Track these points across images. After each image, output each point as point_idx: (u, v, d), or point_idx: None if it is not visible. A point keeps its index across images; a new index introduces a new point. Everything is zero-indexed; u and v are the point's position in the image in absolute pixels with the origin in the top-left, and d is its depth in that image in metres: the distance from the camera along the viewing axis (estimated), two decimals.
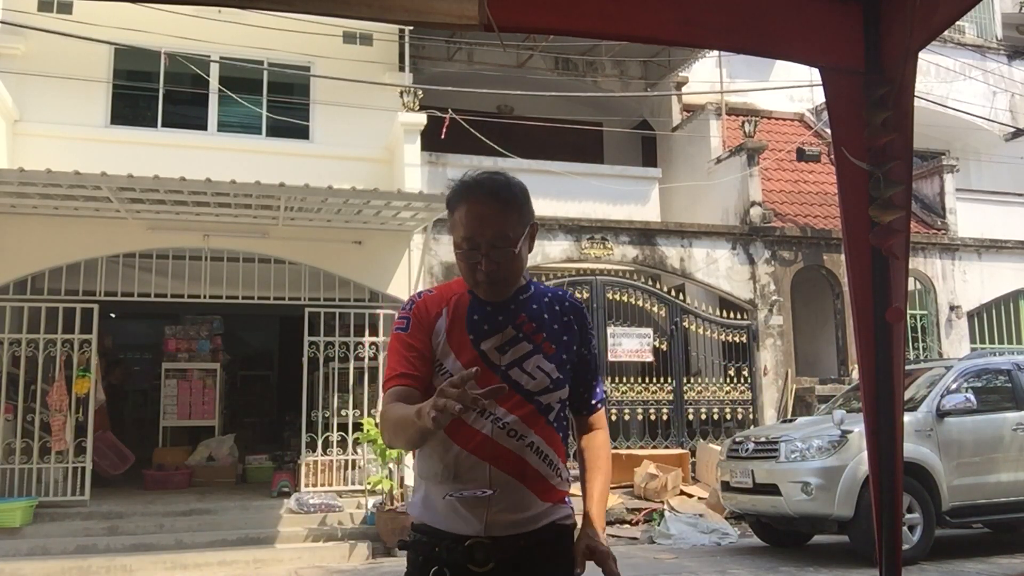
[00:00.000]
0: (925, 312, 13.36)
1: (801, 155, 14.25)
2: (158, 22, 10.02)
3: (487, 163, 12.27)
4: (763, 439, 8.25)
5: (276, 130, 11.64)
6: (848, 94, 2.46)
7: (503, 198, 1.96)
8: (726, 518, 9.44)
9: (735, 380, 11.92)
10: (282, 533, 8.75)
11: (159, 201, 8.95)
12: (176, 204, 9.06)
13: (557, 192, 12.55)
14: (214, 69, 11.36)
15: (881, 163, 2.39)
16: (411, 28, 11.33)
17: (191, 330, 12.22)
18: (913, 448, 7.45)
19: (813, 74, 8.52)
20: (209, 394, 11.94)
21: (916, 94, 2.44)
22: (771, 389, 11.98)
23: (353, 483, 9.81)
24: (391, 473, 9.25)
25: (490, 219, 1.93)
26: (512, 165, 12.25)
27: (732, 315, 12.21)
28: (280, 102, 11.75)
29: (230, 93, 11.15)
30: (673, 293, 11.96)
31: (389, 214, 9.60)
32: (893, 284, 2.44)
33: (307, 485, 9.63)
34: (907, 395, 7.87)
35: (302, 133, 11.65)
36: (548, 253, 11.54)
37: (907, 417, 6.74)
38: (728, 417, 11.75)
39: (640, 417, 11.53)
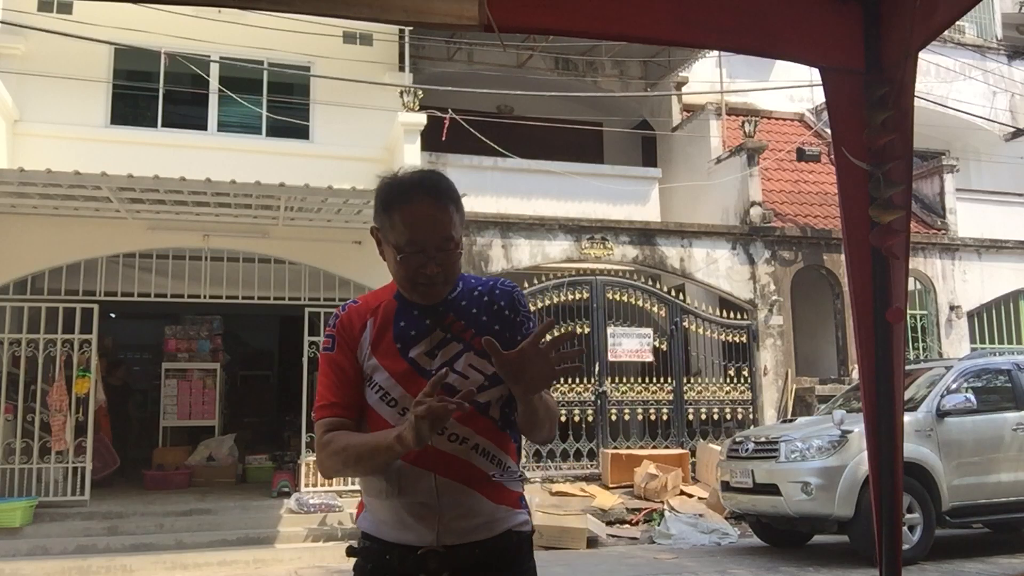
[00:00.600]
0: (925, 312, 13.36)
1: (801, 155, 14.25)
2: (158, 22, 10.02)
3: (487, 163, 12.30)
4: (763, 439, 8.25)
5: (276, 130, 11.64)
6: (848, 94, 2.46)
7: (446, 197, 1.87)
8: (726, 518, 9.43)
9: (735, 380, 11.92)
10: (282, 533, 8.75)
11: (159, 201, 8.95)
12: (176, 204, 9.07)
13: (557, 192, 12.56)
14: (214, 69, 11.36)
15: (881, 163, 2.39)
16: (411, 28, 11.33)
17: (191, 330, 12.22)
18: (913, 448, 7.44)
19: (813, 74, 8.52)
20: (209, 394, 11.95)
21: (916, 94, 2.44)
22: (771, 389, 11.98)
23: (353, 483, 9.79)
24: None
25: (436, 221, 1.83)
26: (512, 165, 12.28)
27: (732, 315, 12.21)
28: (280, 102, 11.75)
29: (230, 93, 11.15)
30: (673, 293, 11.96)
31: None
32: (893, 284, 2.44)
33: (307, 485, 9.63)
34: (907, 395, 7.87)
35: (302, 133, 11.65)
36: (548, 253, 11.54)
37: (907, 417, 6.74)
38: (728, 417, 11.75)
39: (640, 417, 11.53)
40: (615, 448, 11.12)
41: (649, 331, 11.58)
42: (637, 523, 9.63)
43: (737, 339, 12.08)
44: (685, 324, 11.88)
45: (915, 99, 2.44)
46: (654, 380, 11.57)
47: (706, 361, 12.25)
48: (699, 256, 12.25)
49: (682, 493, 10.19)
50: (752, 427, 11.16)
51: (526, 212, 11.82)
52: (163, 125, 11.40)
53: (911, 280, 12.69)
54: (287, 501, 9.40)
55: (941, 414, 7.86)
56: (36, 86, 10.46)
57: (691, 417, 11.67)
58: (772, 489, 7.79)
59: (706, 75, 14.85)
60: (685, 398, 11.64)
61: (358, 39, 11.90)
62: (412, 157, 10.83)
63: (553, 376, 1.77)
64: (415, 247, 1.83)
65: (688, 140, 14.13)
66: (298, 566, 8.13)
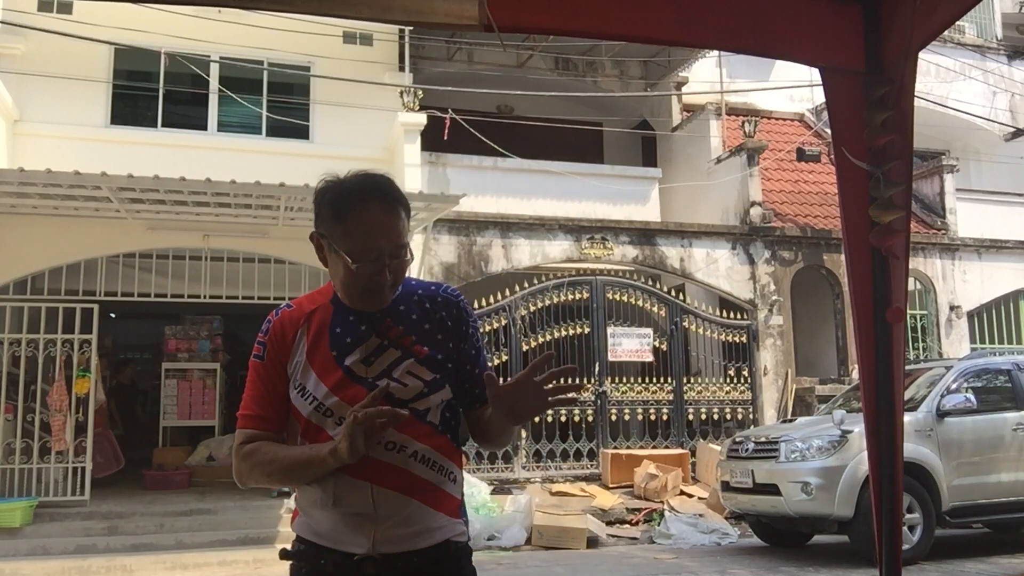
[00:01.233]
0: (925, 312, 13.36)
1: (801, 155, 14.26)
2: (158, 22, 10.03)
3: (487, 163, 12.30)
4: (763, 439, 8.25)
5: (276, 130, 11.65)
6: (848, 94, 2.46)
7: (398, 203, 1.82)
8: (726, 518, 9.43)
9: (735, 380, 11.92)
10: (282, 533, 8.75)
11: (159, 201, 8.95)
12: (176, 204, 9.07)
13: (557, 192, 12.56)
14: (214, 69, 11.37)
15: (881, 163, 2.39)
16: (411, 28, 11.33)
17: (191, 330, 12.21)
18: (913, 448, 7.44)
19: (813, 74, 8.52)
20: (209, 394, 11.94)
21: (916, 94, 2.44)
22: (771, 389, 11.98)
23: None
24: None
25: (391, 228, 1.79)
26: (512, 165, 12.28)
27: (732, 315, 12.21)
28: (280, 102, 11.75)
29: (230, 93, 11.16)
30: (673, 293, 11.96)
31: None
32: (893, 284, 2.44)
33: None
34: (907, 395, 7.87)
35: (302, 133, 11.66)
36: (548, 253, 11.54)
37: (907, 417, 6.75)
38: (728, 417, 11.75)
39: (640, 417, 11.53)
40: (615, 448, 11.12)
41: (649, 331, 11.58)
42: (637, 523, 9.63)
43: (737, 339, 12.08)
44: (685, 324, 11.88)
45: (915, 99, 2.44)
46: (654, 380, 11.57)
47: (706, 361, 12.25)
48: (699, 256, 12.25)
49: (682, 493, 10.19)
50: (752, 427, 11.16)
51: (526, 212, 11.82)
52: (163, 125, 11.41)
53: (911, 280, 12.69)
54: (287, 501, 9.39)
55: (941, 414, 7.85)
56: (36, 86, 10.46)
57: (691, 417, 11.67)
58: (772, 489, 7.79)
59: (706, 75, 14.85)
60: (685, 398, 11.64)
61: (358, 39, 11.91)
62: (412, 157, 10.84)
63: (545, 407, 1.77)
64: (372, 255, 1.77)
65: (688, 140, 14.13)
66: None
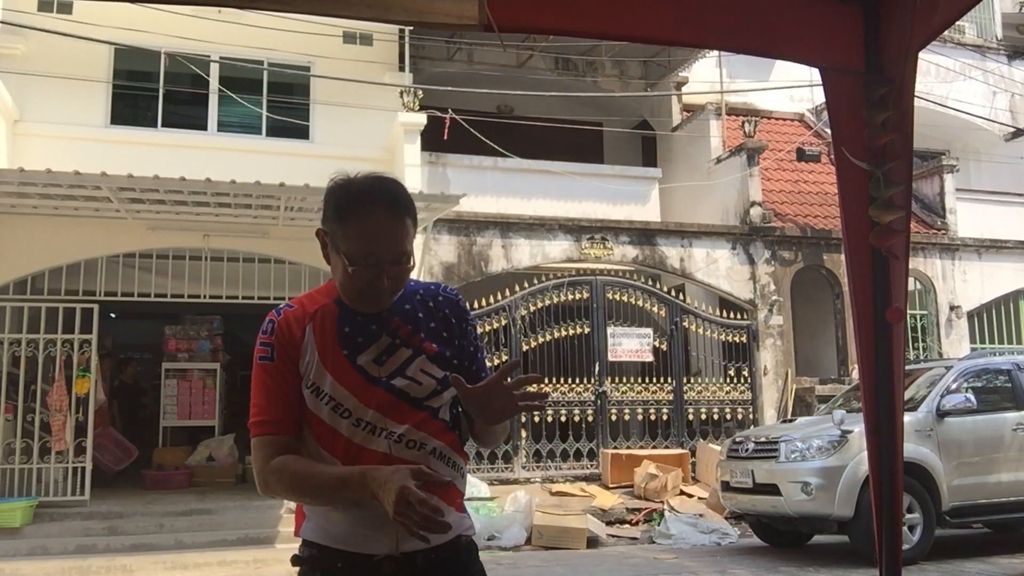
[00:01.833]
0: (925, 312, 13.36)
1: (801, 155, 14.26)
2: (158, 22, 10.02)
3: (487, 163, 12.30)
4: (763, 439, 8.25)
5: (276, 130, 11.65)
6: (848, 94, 2.46)
7: (403, 210, 1.80)
8: (726, 518, 9.43)
9: (735, 380, 11.92)
10: (282, 533, 8.75)
11: (159, 201, 8.95)
12: (176, 204, 9.07)
13: (557, 192, 12.56)
14: (214, 69, 11.37)
15: (881, 163, 2.40)
16: (411, 28, 11.33)
17: (191, 330, 12.21)
18: (913, 448, 7.44)
19: (813, 74, 8.52)
20: (209, 394, 11.94)
21: (916, 94, 2.44)
22: (771, 389, 11.98)
23: None
24: None
25: (393, 234, 1.78)
26: (512, 165, 12.28)
27: (732, 315, 12.21)
28: (280, 102, 11.75)
29: (230, 93, 11.16)
30: (673, 293, 11.96)
31: None
32: (893, 284, 2.44)
33: None
34: (907, 395, 7.87)
35: (302, 133, 11.66)
36: (548, 253, 11.54)
37: (907, 417, 6.74)
38: (728, 417, 11.75)
39: (640, 417, 11.53)
40: (615, 448, 11.12)
41: (649, 331, 11.58)
42: (637, 523, 9.63)
43: (737, 339, 12.08)
44: (685, 324, 11.87)
45: (915, 99, 2.44)
46: (654, 380, 11.57)
47: (706, 361, 12.25)
48: (699, 256, 12.25)
49: (682, 493, 10.19)
50: (752, 427, 11.16)
51: (526, 212, 11.82)
52: (163, 125, 11.41)
53: (911, 280, 12.70)
54: (287, 501, 9.39)
55: (941, 414, 7.85)
56: (36, 86, 10.46)
57: (691, 417, 11.67)
58: (772, 489, 7.79)
59: (706, 75, 14.85)
60: (685, 398, 11.64)
61: (358, 39, 11.91)
62: (412, 157, 10.83)
63: (515, 412, 1.79)
64: (369, 260, 1.76)
65: (688, 140, 14.13)
66: None
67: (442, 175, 11.97)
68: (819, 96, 14.06)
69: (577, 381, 11.25)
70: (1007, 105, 16.80)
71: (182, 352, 12.10)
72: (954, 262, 13.52)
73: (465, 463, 1.94)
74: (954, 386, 8.09)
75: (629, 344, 11.47)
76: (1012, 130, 16.21)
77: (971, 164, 16.80)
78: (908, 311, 9.38)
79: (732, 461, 8.49)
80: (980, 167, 16.98)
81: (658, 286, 12.01)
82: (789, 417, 10.94)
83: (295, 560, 1.87)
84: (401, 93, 11.14)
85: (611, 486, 10.61)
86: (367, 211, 1.78)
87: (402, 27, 11.40)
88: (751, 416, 11.83)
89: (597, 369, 11.31)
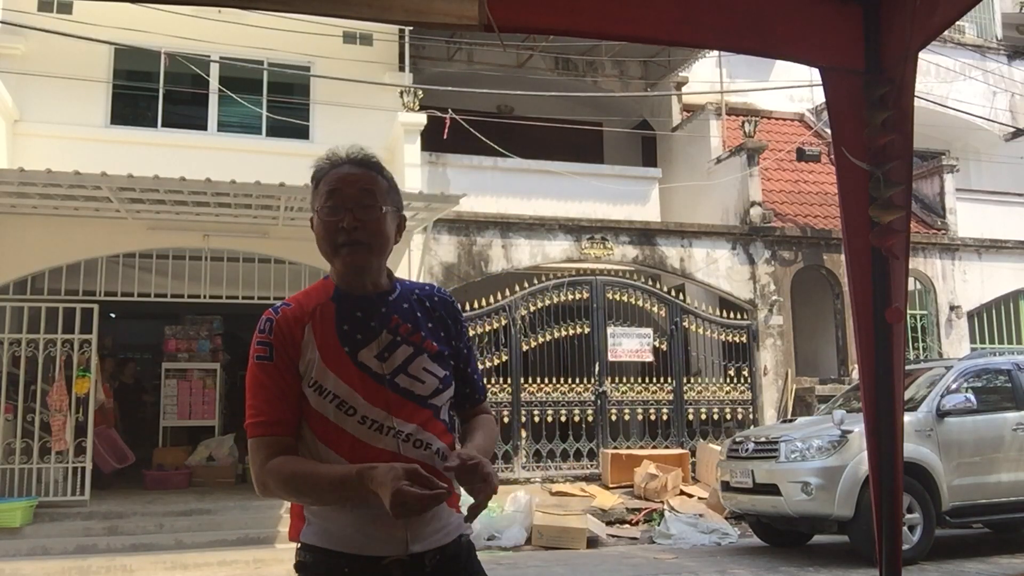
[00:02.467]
0: (925, 312, 13.35)
1: (801, 155, 14.25)
2: (158, 22, 10.03)
3: (487, 163, 12.30)
4: (763, 439, 8.25)
5: (276, 130, 11.65)
6: (848, 94, 2.46)
7: (370, 167, 1.89)
8: (726, 518, 9.43)
9: (735, 380, 11.92)
10: (282, 533, 8.75)
11: (159, 201, 8.95)
12: (176, 204, 9.07)
13: (557, 192, 12.56)
14: (214, 69, 11.37)
15: (881, 163, 2.40)
16: (411, 28, 11.33)
17: (191, 330, 12.21)
18: (913, 448, 7.44)
19: (813, 74, 8.52)
20: (209, 394, 11.94)
21: (916, 94, 2.44)
22: (771, 389, 11.98)
23: None
24: None
25: (357, 180, 1.85)
26: (512, 165, 12.28)
27: (732, 315, 12.20)
28: (280, 102, 11.75)
29: (230, 93, 11.16)
30: (673, 293, 11.96)
31: None
32: (893, 284, 2.44)
33: None
34: (907, 395, 7.87)
35: (302, 133, 11.66)
36: (548, 253, 11.53)
37: (907, 417, 6.74)
38: (728, 417, 11.75)
39: (640, 417, 11.53)
40: (615, 448, 11.11)
41: (649, 331, 11.58)
42: (637, 523, 9.63)
43: (737, 339, 12.08)
44: (685, 324, 11.87)
45: (915, 99, 2.44)
46: (654, 380, 11.57)
47: (706, 361, 12.25)
48: (699, 256, 12.25)
49: (682, 493, 10.19)
50: (752, 427, 11.16)
51: (526, 212, 11.82)
52: (163, 125, 11.42)
53: (911, 280, 12.70)
54: (286, 501, 9.38)
55: (941, 414, 7.85)
56: (36, 86, 10.46)
57: (691, 417, 11.67)
58: (772, 489, 7.79)
59: (706, 75, 14.85)
60: (685, 398, 11.64)
61: (358, 39, 11.91)
62: (412, 157, 10.83)
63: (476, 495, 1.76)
64: (334, 201, 1.83)
65: (688, 140, 14.13)
66: None
67: (442, 175, 11.97)
68: (819, 96, 14.07)
69: (577, 381, 11.25)
70: (1007, 105, 16.80)
71: (182, 352, 12.10)
72: (954, 262, 13.51)
73: None
74: (954, 386, 8.09)
75: (629, 344, 11.47)
76: (1012, 130, 16.21)
77: (971, 164, 16.80)
78: (908, 311, 9.39)
79: (732, 461, 8.49)
80: (980, 167, 16.98)
81: (658, 286, 12.01)
82: (789, 417, 10.94)
83: (301, 567, 1.85)
84: (401, 93, 11.14)
85: (611, 486, 10.61)
86: (335, 168, 1.89)
87: (402, 27, 11.40)
88: (751, 416, 11.82)
89: (597, 369, 11.31)
